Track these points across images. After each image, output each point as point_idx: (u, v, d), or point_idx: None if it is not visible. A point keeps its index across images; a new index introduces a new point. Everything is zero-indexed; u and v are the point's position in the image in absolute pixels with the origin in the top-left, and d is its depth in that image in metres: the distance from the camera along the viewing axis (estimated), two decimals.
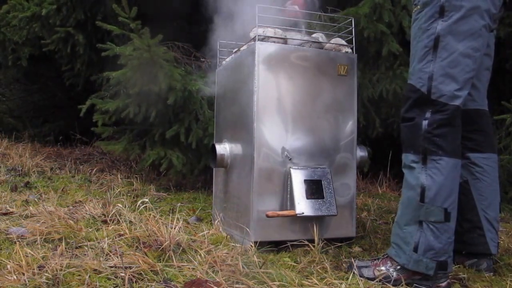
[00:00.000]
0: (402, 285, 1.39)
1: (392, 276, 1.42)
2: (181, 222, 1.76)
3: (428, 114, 1.40)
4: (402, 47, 2.89)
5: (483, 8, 1.37)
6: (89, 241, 1.65)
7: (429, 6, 1.40)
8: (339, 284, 1.37)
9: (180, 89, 2.61)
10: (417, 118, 1.41)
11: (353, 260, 1.52)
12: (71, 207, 2.19)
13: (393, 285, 1.40)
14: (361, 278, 1.43)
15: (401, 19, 2.81)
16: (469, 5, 1.36)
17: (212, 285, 1.27)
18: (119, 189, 2.62)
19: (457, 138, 1.42)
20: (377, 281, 1.42)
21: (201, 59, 3.14)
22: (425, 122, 1.39)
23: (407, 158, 1.44)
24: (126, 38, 2.81)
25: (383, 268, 1.44)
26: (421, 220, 1.38)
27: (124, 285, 1.26)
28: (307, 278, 1.40)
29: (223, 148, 1.94)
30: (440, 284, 1.40)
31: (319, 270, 1.48)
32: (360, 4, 2.81)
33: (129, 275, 1.30)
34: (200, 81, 2.77)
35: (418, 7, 1.44)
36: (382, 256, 1.51)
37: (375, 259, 1.50)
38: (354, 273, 1.45)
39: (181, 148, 2.82)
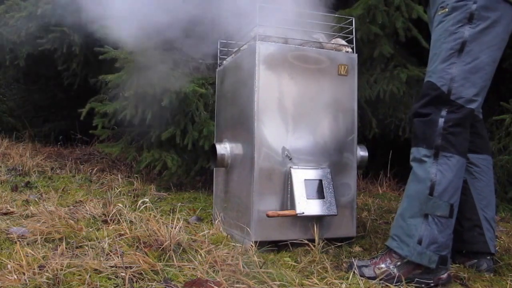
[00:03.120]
0: (403, 283, 1.39)
1: (393, 272, 1.42)
2: (181, 222, 1.76)
3: (444, 113, 1.44)
4: (396, 48, 2.89)
5: (506, 22, 1.44)
6: (89, 241, 1.65)
7: (458, 11, 1.44)
8: (339, 284, 1.37)
9: (174, 91, 2.62)
10: (433, 115, 1.45)
11: (353, 260, 1.53)
12: (71, 207, 2.19)
13: (395, 281, 1.41)
14: (362, 278, 1.43)
15: (395, 20, 2.81)
16: (494, 17, 1.42)
17: (213, 285, 1.27)
18: (119, 189, 2.62)
19: (467, 139, 1.47)
20: (378, 280, 1.42)
21: (199, 61, 3.14)
22: (441, 120, 1.43)
23: (419, 152, 1.46)
24: None
25: (383, 265, 1.45)
26: (427, 213, 1.41)
27: (124, 284, 1.26)
28: (307, 278, 1.41)
29: (223, 148, 1.94)
30: (441, 276, 1.42)
31: (319, 270, 1.49)
32: (354, 5, 2.82)
33: (129, 275, 1.31)
34: (196, 82, 2.78)
35: (446, 10, 1.47)
36: (381, 252, 1.52)
37: (373, 258, 1.51)
38: (354, 272, 1.45)
39: (177, 150, 2.83)
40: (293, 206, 1.68)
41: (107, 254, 1.49)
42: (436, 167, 1.42)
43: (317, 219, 1.75)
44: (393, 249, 1.46)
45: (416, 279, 1.41)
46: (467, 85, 1.43)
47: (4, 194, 2.38)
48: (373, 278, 1.44)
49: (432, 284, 1.42)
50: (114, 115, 2.90)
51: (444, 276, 1.43)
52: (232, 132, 1.96)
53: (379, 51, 2.86)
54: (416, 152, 1.48)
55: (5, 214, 2.03)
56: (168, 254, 1.50)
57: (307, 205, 1.68)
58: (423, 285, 1.41)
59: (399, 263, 1.43)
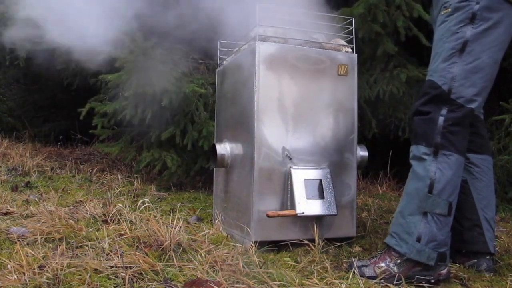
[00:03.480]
0: (403, 281, 1.39)
1: (393, 271, 1.43)
2: (181, 222, 1.76)
3: (444, 111, 1.45)
4: (396, 48, 2.89)
5: (508, 23, 1.45)
6: (89, 240, 1.65)
7: (461, 11, 1.45)
8: (339, 284, 1.37)
9: (174, 91, 2.62)
10: (433, 113, 1.46)
11: (353, 260, 1.53)
12: (71, 207, 2.19)
13: (396, 279, 1.41)
14: (362, 278, 1.43)
15: (396, 19, 2.81)
16: (497, 18, 1.43)
17: (213, 285, 1.27)
18: (119, 189, 2.62)
19: (466, 138, 1.48)
20: (379, 280, 1.42)
21: (199, 61, 3.15)
22: (441, 118, 1.45)
23: (419, 149, 1.48)
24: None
25: (383, 264, 1.46)
26: (426, 211, 1.42)
27: (124, 284, 1.26)
28: (307, 278, 1.41)
29: (223, 148, 1.94)
30: (441, 272, 1.43)
31: (319, 269, 1.49)
32: (354, 5, 2.81)
33: (129, 275, 1.31)
34: (196, 82, 2.78)
35: (449, 10, 1.48)
36: (380, 252, 1.53)
37: (373, 257, 1.52)
38: (354, 272, 1.45)
39: (177, 150, 2.83)
40: (293, 206, 1.68)
41: (107, 254, 1.49)
42: (435, 165, 1.43)
43: (317, 219, 1.75)
44: (392, 247, 1.47)
45: (416, 276, 1.42)
46: (467, 85, 1.44)
47: (4, 194, 2.38)
48: (374, 278, 1.44)
49: (432, 281, 1.43)
50: (114, 115, 2.90)
51: (444, 272, 1.44)
52: (232, 132, 1.96)
53: (383, 49, 2.86)
54: (416, 150, 1.49)
55: (5, 214, 2.03)
56: (168, 254, 1.50)
57: (307, 205, 1.68)
58: (423, 282, 1.42)
59: (398, 261, 1.44)
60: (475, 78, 1.44)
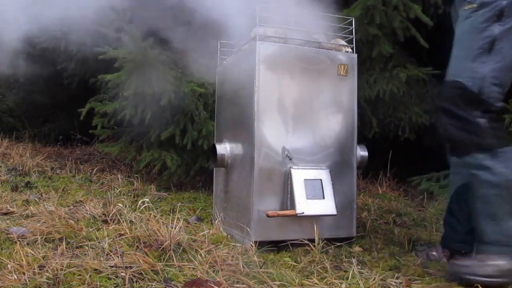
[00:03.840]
0: (402, 282, 1.39)
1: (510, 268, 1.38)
2: (181, 222, 1.76)
3: (478, 113, 1.42)
4: (395, 48, 2.89)
5: None
6: (89, 240, 1.65)
7: (487, 7, 1.40)
8: (339, 284, 1.37)
9: (173, 91, 2.62)
10: (470, 118, 1.42)
11: (454, 262, 1.49)
12: (71, 207, 2.20)
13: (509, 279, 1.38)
14: (475, 278, 1.37)
15: (393, 20, 2.81)
16: None
17: (213, 285, 1.27)
18: (119, 189, 2.63)
19: (504, 131, 1.49)
20: (498, 279, 1.36)
21: (199, 61, 3.15)
22: (481, 120, 1.41)
23: (475, 158, 1.43)
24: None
25: (503, 262, 1.38)
26: None
27: (124, 284, 1.26)
28: (307, 278, 1.41)
29: (223, 148, 1.95)
30: None
31: (319, 269, 1.49)
32: (352, 6, 2.81)
33: (129, 275, 1.31)
34: (195, 82, 2.78)
35: (474, 5, 1.43)
36: (477, 251, 1.46)
37: (474, 256, 1.44)
38: (354, 272, 1.45)
39: (177, 150, 2.83)
40: (293, 206, 1.68)
41: (107, 254, 1.50)
42: (501, 165, 1.39)
43: (317, 219, 1.75)
44: (497, 255, 1.40)
45: None
46: (497, 83, 1.41)
47: (4, 194, 2.39)
48: (492, 277, 1.37)
49: None
50: (114, 115, 2.90)
51: None
52: (232, 132, 1.96)
53: (378, 51, 2.86)
54: (472, 159, 1.44)
55: (5, 214, 2.03)
56: (168, 254, 1.50)
57: (307, 205, 1.68)
58: None
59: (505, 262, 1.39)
60: (503, 76, 1.41)
